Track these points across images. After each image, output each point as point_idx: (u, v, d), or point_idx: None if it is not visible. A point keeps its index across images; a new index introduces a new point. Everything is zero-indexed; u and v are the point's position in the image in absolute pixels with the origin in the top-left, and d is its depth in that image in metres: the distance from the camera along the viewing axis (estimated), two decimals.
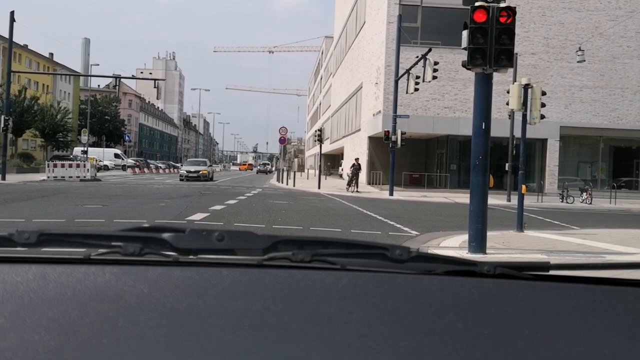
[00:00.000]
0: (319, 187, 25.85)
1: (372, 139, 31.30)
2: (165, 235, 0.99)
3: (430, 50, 19.22)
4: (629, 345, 0.80)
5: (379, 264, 1.00)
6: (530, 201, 22.21)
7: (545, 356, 0.75)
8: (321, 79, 72.21)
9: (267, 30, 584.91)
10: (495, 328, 0.82)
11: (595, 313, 0.90)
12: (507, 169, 23.82)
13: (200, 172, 32.06)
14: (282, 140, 34.12)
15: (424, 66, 19.26)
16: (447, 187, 28.12)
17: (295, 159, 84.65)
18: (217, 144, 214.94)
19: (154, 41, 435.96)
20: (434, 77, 19.30)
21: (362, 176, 32.35)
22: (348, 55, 44.31)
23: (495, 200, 22.41)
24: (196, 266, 0.98)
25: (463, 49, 6.79)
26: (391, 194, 22.37)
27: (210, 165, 37.53)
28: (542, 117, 11.37)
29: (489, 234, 7.90)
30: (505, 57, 6.55)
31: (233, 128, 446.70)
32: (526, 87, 10.69)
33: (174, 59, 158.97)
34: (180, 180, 31.38)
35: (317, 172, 32.05)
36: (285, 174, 32.28)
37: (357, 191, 23.78)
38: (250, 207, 14.39)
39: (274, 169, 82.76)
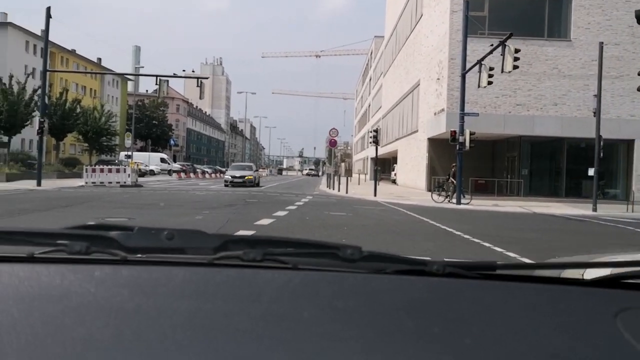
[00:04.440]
0: (375, 195, 23.25)
1: (432, 141, 28.51)
2: (113, 233, 0.96)
3: (511, 35, 16.40)
4: (571, 343, 0.80)
5: (331, 263, 0.98)
6: (617, 211, 19.01)
7: (492, 353, 0.75)
8: (370, 80, 69.73)
9: (312, 35, 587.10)
10: (444, 326, 0.81)
11: (539, 311, 0.90)
12: (592, 174, 20.54)
13: (246, 178, 30.12)
14: (333, 143, 31.93)
15: (503, 54, 16.49)
16: (520, 195, 25.02)
17: (342, 163, 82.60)
18: (264, 148, 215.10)
19: (201, 48, 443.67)
20: (515, 67, 16.52)
21: (422, 182, 29.59)
22: (401, 52, 41.57)
23: (575, 209, 19.29)
24: (145, 265, 0.94)
25: None
26: (459, 202, 19.64)
27: (256, 170, 35.55)
28: None
29: (619, 258, 5.31)
30: None
31: (279, 132, 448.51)
32: None
33: (221, 64, 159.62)
34: (225, 185, 29.64)
35: (372, 177, 29.49)
36: (335, 179, 29.85)
37: (451, 201, 20.59)
38: (304, 221, 11.99)
39: (320, 173, 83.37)
